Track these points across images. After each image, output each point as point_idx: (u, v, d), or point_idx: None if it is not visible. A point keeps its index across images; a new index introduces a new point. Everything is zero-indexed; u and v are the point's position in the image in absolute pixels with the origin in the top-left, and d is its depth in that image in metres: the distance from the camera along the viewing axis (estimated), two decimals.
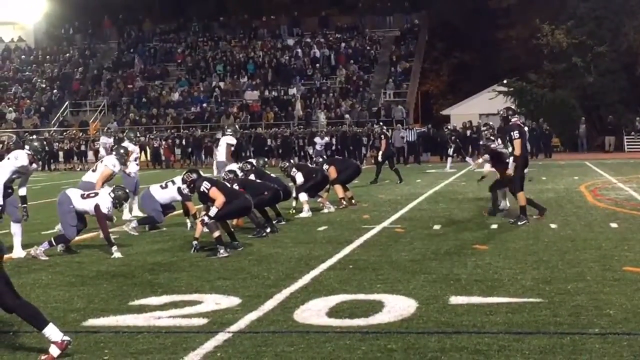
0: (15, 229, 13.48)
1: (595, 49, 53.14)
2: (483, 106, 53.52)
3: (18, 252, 13.24)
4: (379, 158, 28.06)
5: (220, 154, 20.45)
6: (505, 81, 53.17)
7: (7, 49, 69.31)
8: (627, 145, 49.00)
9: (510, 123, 15.72)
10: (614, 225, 15.11)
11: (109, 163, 16.25)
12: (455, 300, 9.09)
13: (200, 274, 11.20)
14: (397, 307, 8.80)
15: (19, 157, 13.17)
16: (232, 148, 20.23)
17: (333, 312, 8.67)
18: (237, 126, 19.75)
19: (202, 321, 8.51)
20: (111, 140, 26.70)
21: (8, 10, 67.87)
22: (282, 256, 12.49)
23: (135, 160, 18.72)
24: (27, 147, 13.63)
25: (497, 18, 63.18)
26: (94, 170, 16.51)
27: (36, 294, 10.07)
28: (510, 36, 62.62)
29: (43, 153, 14.95)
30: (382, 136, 28.88)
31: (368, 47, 61.04)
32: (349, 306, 8.92)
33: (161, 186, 16.10)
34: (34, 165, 13.65)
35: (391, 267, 11.22)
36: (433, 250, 12.69)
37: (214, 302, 9.35)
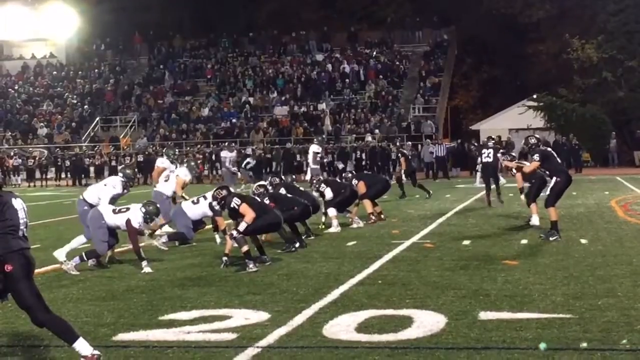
0: (79, 240, 14.07)
1: (625, 63, 52.88)
2: (513, 121, 53.38)
3: (60, 254, 13.49)
4: (402, 176, 27.95)
5: (310, 161, 23.33)
6: (535, 96, 52.98)
7: (39, 65, 69.88)
8: None
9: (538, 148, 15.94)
10: None
11: (181, 173, 17.08)
12: (484, 315, 9.06)
13: (230, 289, 11.22)
14: (426, 322, 8.78)
15: (116, 185, 14.69)
16: (319, 156, 21.79)
17: (362, 328, 8.67)
18: (324, 137, 21.65)
19: (232, 336, 8.53)
20: (233, 154, 28.66)
21: (40, 27, 68.59)
22: (311, 271, 12.50)
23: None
24: (120, 174, 14.98)
25: (526, 32, 63.08)
26: (166, 181, 17.03)
27: (67, 308, 10.13)
28: (540, 51, 62.48)
29: (135, 179, 16.19)
30: (400, 155, 28.90)
31: (397, 62, 61.05)
32: (378, 322, 8.91)
33: (193, 202, 16.20)
34: (126, 191, 14.98)
35: (420, 283, 11.20)
36: (462, 265, 12.65)
37: (243, 317, 9.37)
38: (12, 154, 52.83)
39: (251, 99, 59.38)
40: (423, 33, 63.75)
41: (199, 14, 71.83)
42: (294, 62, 63.36)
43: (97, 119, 60.04)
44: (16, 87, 66.86)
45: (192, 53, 67.85)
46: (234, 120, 56.90)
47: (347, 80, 59.63)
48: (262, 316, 9.36)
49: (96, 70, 67.67)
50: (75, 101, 63.15)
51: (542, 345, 7.59)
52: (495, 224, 18.26)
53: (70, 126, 59.33)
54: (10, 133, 59.45)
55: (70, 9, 68.41)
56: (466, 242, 15.36)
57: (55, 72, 68.68)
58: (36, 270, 12.42)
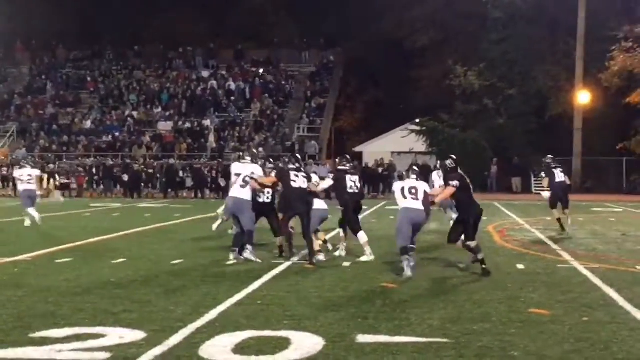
0: None
1: (505, 91, 54.09)
2: (395, 144, 54.06)
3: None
4: None
5: None
6: (417, 120, 53.73)
7: None
8: (535, 187, 49.79)
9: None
10: (520, 266, 15.30)
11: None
12: (362, 338, 9.06)
13: (105, 306, 10.97)
14: (304, 344, 8.74)
15: None
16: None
17: (239, 349, 8.57)
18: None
19: (105, 355, 8.33)
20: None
21: None
22: (190, 290, 12.35)
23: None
24: None
25: (411, 57, 63.95)
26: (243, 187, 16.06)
27: None
28: (424, 76, 63.37)
29: None
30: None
31: (283, 82, 61.25)
32: (255, 343, 8.83)
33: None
34: None
35: (299, 304, 11.16)
36: (342, 287, 12.68)
37: (118, 335, 9.15)
38: None
39: (135, 113, 58.75)
40: (310, 54, 64.16)
41: (84, 25, 70.80)
42: (180, 78, 62.95)
43: None
44: None
45: (76, 64, 66.79)
46: (116, 134, 56.18)
47: (232, 97, 59.53)
48: (137, 335, 9.17)
49: None
50: None
51: None
52: (375, 246, 18.32)
53: None
54: None
55: None
56: (346, 264, 15.41)
57: None
58: None
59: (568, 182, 23.61)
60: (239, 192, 15.91)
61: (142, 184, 47.17)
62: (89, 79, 64.50)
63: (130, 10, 70.36)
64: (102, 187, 48.20)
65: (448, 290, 12.46)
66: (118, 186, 47.93)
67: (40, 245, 18.24)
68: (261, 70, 62.69)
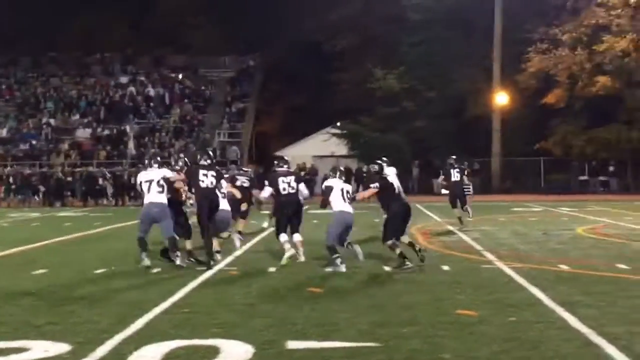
0: None
1: (425, 94, 54.52)
2: (317, 148, 54.16)
3: None
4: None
5: None
6: (338, 124, 53.88)
7: None
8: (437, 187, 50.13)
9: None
10: (445, 267, 15.39)
11: None
12: (292, 344, 8.99)
13: (27, 317, 10.73)
14: (234, 352, 8.64)
15: None
16: None
17: (168, 359, 8.44)
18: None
19: None
20: None
21: None
22: (114, 299, 12.15)
23: None
24: None
25: (331, 61, 64.05)
26: None
27: None
28: (344, 79, 63.53)
29: None
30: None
31: (203, 87, 60.96)
32: (184, 352, 8.70)
33: None
34: None
35: (227, 311, 11.05)
36: (269, 293, 12.60)
37: (42, 349, 8.93)
38: None
39: (52, 121, 57.89)
40: (229, 59, 63.99)
41: None
42: (98, 84, 62.24)
43: None
44: None
45: None
46: (34, 142, 55.30)
47: (151, 103, 59.05)
48: (62, 348, 8.96)
49: None
50: None
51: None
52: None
53: None
54: None
55: None
56: (272, 269, 15.32)
57: None
58: None
59: (466, 181, 25.09)
60: (157, 197, 15.66)
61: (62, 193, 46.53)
62: (4, 86, 63.38)
63: (45, 15, 69.30)
64: (20, 196, 47.33)
65: (374, 294, 12.45)
66: (37, 195, 47.14)
67: None
68: (180, 76, 62.33)
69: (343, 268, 14.74)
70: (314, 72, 65.88)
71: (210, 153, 16.70)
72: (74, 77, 63.70)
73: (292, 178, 16.60)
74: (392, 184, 15.54)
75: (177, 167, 16.95)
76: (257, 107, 63.05)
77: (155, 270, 15.24)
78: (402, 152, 51.68)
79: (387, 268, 15.11)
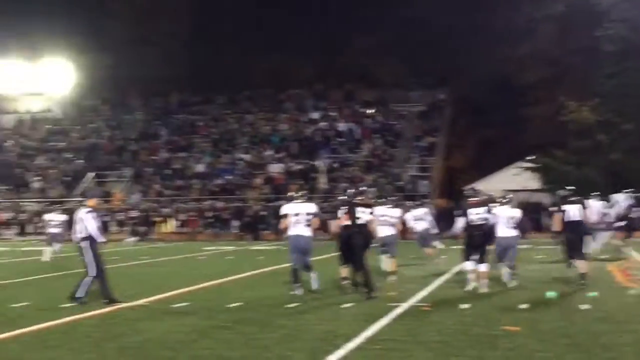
0: None
1: (621, 126, 52.85)
2: (507, 182, 53.19)
3: None
4: None
5: None
6: (530, 157, 52.87)
7: (34, 118, 69.90)
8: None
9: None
10: None
11: None
12: None
13: (222, 351, 10.80)
14: None
15: None
16: None
17: None
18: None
19: None
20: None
21: (37, 81, 68.82)
22: (306, 334, 12.15)
23: None
24: None
25: (521, 94, 63.18)
26: None
27: None
28: (535, 113, 62.48)
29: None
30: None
31: (393, 122, 61.15)
32: None
33: None
34: None
35: (420, 348, 10.85)
36: (463, 330, 12.32)
37: None
38: (3, 207, 52.55)
39: (246, 156, 59.28)
40: (419, 93, 64.00)
41: (195, 70, 72.04)
42: (290, 120, 63.42)
43: (91, 173, 59.75)
44: (11, 141, 66.72)
45: (188, 109, 67.94)
46: (228, 177, 56.74)
47: (342, 138, 59.63)
48: None
49: (91, 125, 67.66)
50: (70, 155, 62.99)
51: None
52: (493, 287, 17.91)
53: (64, 180, 59.02)
54: (3, 187, 59.17)
55: (68, 64, 68.66)
56: (465, 306, 15.00)
57: (50, 126, 68.62)
58: (22, 330, 12.14)
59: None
60: (303, 230, 16.91)
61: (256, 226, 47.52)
62: (201, 123, 65.49)
63: (240, 55, 71.29)
64: (215, 230, 48.62)
65: (573, 333, 11.95)
66: (230, 229, 48.34)
67: (156, 290, 18.31)
68: (371, 111, 62.76)
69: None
70: (504, 105, 65.11)
71: (363, 190, 18.15)
72: (267, 114, 65.18)
73: (482, 209, 17.11)
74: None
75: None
76: (446, 141, 62.69)
77: (346, 305, 15.20)
78: (597, 186, 50.16)
79: (585, 307, 14.59)
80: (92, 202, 16.59)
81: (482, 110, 69.95)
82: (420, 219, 25.84)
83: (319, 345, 11.16)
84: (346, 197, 17.60)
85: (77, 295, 15.74)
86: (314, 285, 17.38)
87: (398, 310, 14.52)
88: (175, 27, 73.92)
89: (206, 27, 72.99)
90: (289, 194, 18.49)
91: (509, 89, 63.94)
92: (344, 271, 17.62)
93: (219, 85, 69.83)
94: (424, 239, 25.83)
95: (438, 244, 26.98)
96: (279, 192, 53.57)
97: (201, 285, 19.42)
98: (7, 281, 21.18)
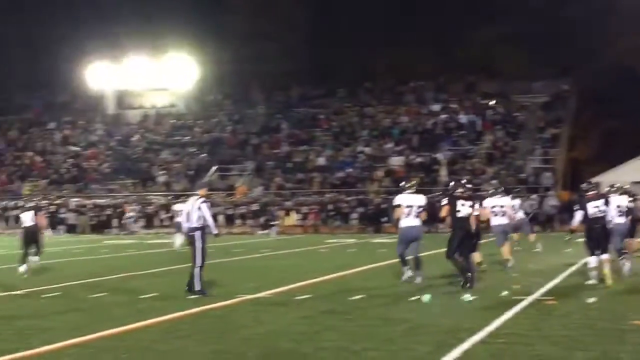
0: None
1: None
2: (634, 174, 51.98)
3: None
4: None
5: None
6: None
7: (159, 114, 71.38)
8: None
9: None
10: None
11: None
12: None
13: (345, 344, 10.85)
14: None
15: None
16: None
17: None
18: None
19: None
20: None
21: (161, 77, 70.24)
22: (431, 327, 12.11)
23: None
24: None
25: None
26: None
27: None
28: None
29: None
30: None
31: (515, 113, 60.38)
32: None
33: None
34: None
35: (545, 342, 10.71)
36: (588, 324, 12.10)
37: None
38: (130, 201, 53.78)
39: (367, 149, 59.33)
40: (542, 84, 63.01)
41: (315, 64, 72.42)
42: (410, 112, 63.21)
43: (214, 167, 60.69)
44: (136, 136, 68.28)
45: (309, 102, 68.35)
46: (349, 170, 56.88)
47: (463, 131, 59.15)
48: None
49: (214, 120, 68.73)
50: (193, 150, 64.12)
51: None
52: (620, 280, 17.54)
53: (188, 174, 60.07)
54: (130, 181, 60.61)
55: (190, 60, 69.87)
56: (591, 300, 14.71)
57: (174, 121, 69.95)
58: (151, 321, 12.44)
59: None
60: (414, 221, 17.68)
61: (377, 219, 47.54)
62: (322, 116, 65.82)
63: (360, 47, 71.36)
64: (336, 222, 48.86)
65: None
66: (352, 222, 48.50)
67: (278, 282, 18.49)
68: (492, 102, 62.10)
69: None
70: (630, 95, 63.59)
71: (464, 182, 18.12)
72: (387, 106, 65.09)
73: (600, 202, 17.13)
74: None
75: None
76: (570, 132, 61.56)
77: (469, 298, 15.08)
78: None
79: None
80: (203, 191, 16.85)
81: (607, 101, 68.46)
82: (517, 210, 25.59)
83: (443, 338, 11.12)
84: (448, 189, 17.81)
85: (197, 289, 16.01)
86: (417, 279, 17.78)
87: (522, 304, 14.36)
88: (295, 21, 74.40)
89: (326, 21, 73.28)
90: (401, 184, 19.01)
91: (634, 79, 62.38)
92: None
93: (339, 78, 70.06)
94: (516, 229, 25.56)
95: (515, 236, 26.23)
96: (399, 184, 53.46)
97: (323, 278, 19.55)
98: (135, 273, 21.69)
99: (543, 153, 55.14)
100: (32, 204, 25.01)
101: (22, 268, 21.62)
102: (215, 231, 16.57)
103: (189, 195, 17.51)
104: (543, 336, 11.19)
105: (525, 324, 12.31)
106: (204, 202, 16.38)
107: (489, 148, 56.51)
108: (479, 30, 70.95)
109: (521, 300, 14.75)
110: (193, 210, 16.30)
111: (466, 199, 16.97)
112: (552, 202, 44.35)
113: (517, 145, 56.81)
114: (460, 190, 17.12)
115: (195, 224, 16.21)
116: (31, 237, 22.27)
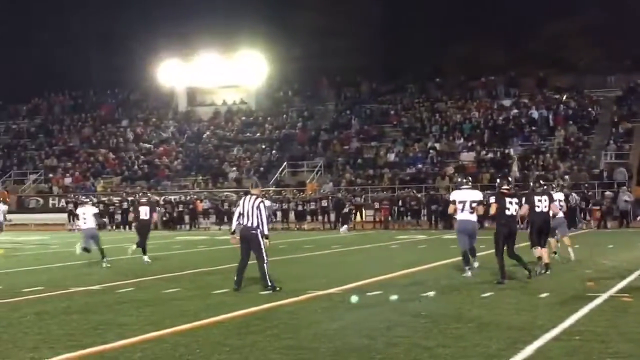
0: None
1: None
2: None
3: None
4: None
5: None
6: None
7: (229, 110, 71.88)
8: None
9: None
10: None
11: None
12: None
13: (419, 340, 10.79)
14: None
15: None
16: None
17: None
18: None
19: None
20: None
21: (232, 74, 70.75)
22: (503, 324, 11.98)
23: None
24: None
25: None
26: None
27: None
28: None
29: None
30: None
31: (588, 108, 59.59)
32: None
33: None
34: None
35: (621, 340, 10.53)
36: None
37: None
38: (202, 197, 54.15)
39: (437, 145, 59.03)
40: (615, 78, 62.09)
41: (385, 60, 72.31)
42: (481, 107, 62.74)
43: (285, 163, 60.90)
44: (207, 133, 68.81)
45: (379, 98, 68.25)
46: (419, 166, 56.64)
47: (535, 126, 58.53)
48: None
49: (284, 116, 68.99)
50: (264, 146, 64.43)
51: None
52: None
53: (259, 170, 60.34)
54: (201, 177, 61.09)
55: (261, 57, 70.23)
56: None
57: (245, 118, 70.37)
58: (223, 316, 12.50)
59: None
60: (469, 216, 18.15)
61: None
62: (392, 112, 65.67)
63: (431, 42, 71.11)
64: (407, 218, 48.68)
65: None
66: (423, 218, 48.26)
67: (349, 278, 18.46)
68: (564, 97, 61.35)
69: None
70: None
71: (510, 179, 18.87)
72: (458, 101, 64.71)
73: (515, 199, 17.51)
74: None
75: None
76: None
77: (542, 295, 14.92)
78: None
79: None
80: (257, 190, 16.90)
81: None
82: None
83: (517, 335, 10.99)
84: (496, 186, 18.11)
85: (268, 285, 16.06)
86: (468, 273, 18.32)
87: (597, 301, 14.15)
88: (364, 17, 74.37)
89: (396, 16, 73.12)
90: (459, 179, 19.18)
91: None
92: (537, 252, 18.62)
93: (409, 73, 69.86)
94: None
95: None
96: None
97: (395, 274, 19.48)
98: (207, 268, 21.83)
99: (617, 148, 54.29)
100: (145, 199, 26.21)
101: (146, 257, 23.94)
102: (266, 232, 16.59)
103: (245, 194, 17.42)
104: (619, 333, 11.01)
105: (600, 321, 12.12)
106: (262, 202, 16.49)
107: (561, 143, 55.83)
108: (550, 24, 70.27)
109: (596, 297, 14.55)
110: (252, 210, 16.35)
111: (512, 196, 17.09)
112: (626, 197, 43.58)
113: (590, 141, 56.06)
114: (505, 187, 17.21)
115: (255, 223, 16.30)
116: (146, 230, 24.51)
